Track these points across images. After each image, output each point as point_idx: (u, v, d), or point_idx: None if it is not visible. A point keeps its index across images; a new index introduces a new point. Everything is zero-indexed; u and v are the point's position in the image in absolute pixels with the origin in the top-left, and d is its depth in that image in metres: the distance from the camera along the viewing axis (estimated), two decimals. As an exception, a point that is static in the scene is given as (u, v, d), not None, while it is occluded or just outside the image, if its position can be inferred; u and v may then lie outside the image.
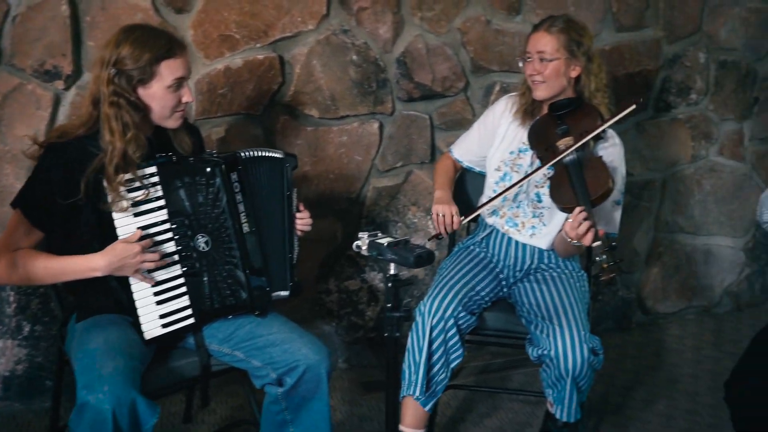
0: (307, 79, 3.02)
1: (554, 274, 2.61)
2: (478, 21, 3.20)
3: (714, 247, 3.83)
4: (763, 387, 2.08)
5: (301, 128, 3.07)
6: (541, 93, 2.55)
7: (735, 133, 3.74)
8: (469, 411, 3.01)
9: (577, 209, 2.27)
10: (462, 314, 2.47)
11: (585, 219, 2.24)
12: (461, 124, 3.26)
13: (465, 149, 2.83)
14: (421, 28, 3.14)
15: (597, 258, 2.23)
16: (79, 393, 1.93)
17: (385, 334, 1.87)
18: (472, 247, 2.73)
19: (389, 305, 1.84)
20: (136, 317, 2.13)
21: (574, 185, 2.34)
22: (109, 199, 2.05)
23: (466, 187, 2.91)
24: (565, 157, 2.40)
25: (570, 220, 2.28)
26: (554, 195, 2.41)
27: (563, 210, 2.39)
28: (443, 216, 2.56)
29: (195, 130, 2.43)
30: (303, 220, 2.42)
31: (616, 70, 3.44)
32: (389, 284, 1.86)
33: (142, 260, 2.07)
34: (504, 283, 2.65)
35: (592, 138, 2.43)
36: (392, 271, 1.87)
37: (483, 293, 2.57)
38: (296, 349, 2.20)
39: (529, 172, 2.54)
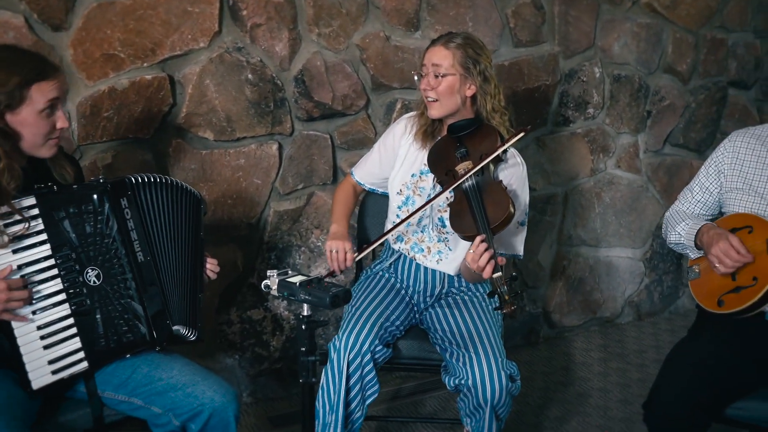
0: (200, 99, 2.85)
1: (465, 297, 2.54)
2: (377, 37, 3.12)
3: (615, 258, 3.87)
4: (680, 407, 2.06)
5: (195, 152, 2.89)
6: (434, 112, 2.47)
7: (631, 145, 3.80)
8: (382, 441, 2.90)
9: (478, 239, 2.19)
10: (378, 347, 2.36)
11: (486, 249, 2.16)
12: (363, 142, 3.16)
13: (366, 171, 2.72)
14: (319, 44, 3.03)
15: (498, 290, 2.14)
16: None
17: (301, 380, 1.73)
18: (381, 273, 2.62)
19: (303, 349, 1.71)
20: (21, 365, 1.92)
21: (474, 212, 2.26)
22: None
23: (369, 209, 2.82)
24: (463, 182, 2.33)
25: (471, 251, 2.20)
26: (454, 223, 2.33)
27: (464, 239, 2.31)
28: (336, 252, 2.44)
29: (74, 160, 2.24)
30: (212, 266, 2.31)
31: (516, 85, 3.42)
32: (303, 326, 1.72)
33: (7, 298, 1.86)
34: (415, 309, 2.56)
35: (491, 162, 2.35)
36: (306, 312, 1.73)
37: (397, 322, 2.46)
38: (200, 392, 2.04)
39: (431, 197, 2.46)
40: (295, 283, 1.72)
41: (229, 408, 2.04)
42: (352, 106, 3.13)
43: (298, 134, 3.07)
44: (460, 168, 2.38)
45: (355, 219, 2.90)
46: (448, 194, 2.40)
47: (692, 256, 2.42)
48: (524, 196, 2.49)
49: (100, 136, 2.72)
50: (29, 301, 1.92)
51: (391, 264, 2.62)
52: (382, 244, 2.63)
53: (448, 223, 2.42)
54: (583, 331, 3.85)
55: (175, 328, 2.14)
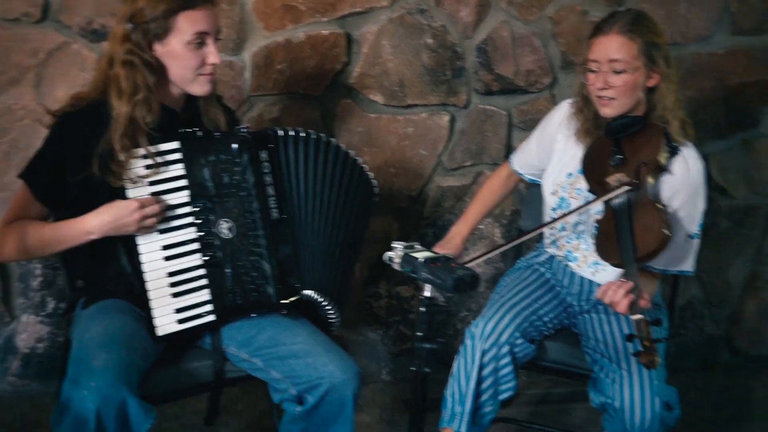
0: (375, 60, 2.74)
1: (629, 307, 2.24)
2: (573, 11, 2.85)
3: (822, 287, 3.37)
4: None
5: (363, 114, 2.79)
6: (610, 111, 2.08)
7: None
8: (518, 448, 2.69)
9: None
10: (519, 341, 2.15)
11: (625, 282, 1.88)
12: (543, 124, 2.92)
13: (524, 161, 2.43)
14: (509, 13, 2.81)
15: (638, 335, 1.84)
16: (63, 387, 1.73)
17: (412, 368, 1.57)
18: (536, 266, 2.38)
19: (420, 334, 1.55)
20: (148, 310, 1.90)
21: (620, 237, 1.95)
22: (117, 173, 1.84)
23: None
24: (612, 199, 2.01)
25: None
26: (599, 245, 2.03)
27: (611, 265, 2.03)
28: None
29: (230, 111, 2.20)
30: None
31: (727, 77, 3.02)
32: (422, 308, 1.55)
33: (142, 216, 1.82)
34: (570, 310, 2.31)
35: (650, 173, 2.01)
36: (427, 294, 1.56)
37: (546, 319, 2.24)
38: (321, 364, 1.93)
39: (574, 208, 2.15)
40: (420, 259, 1.55)
41: (348, 386, 1.93)
42: (535, 83, 2.90)
43: (474, 107, 2.88)
44: (612, 180, 2.04)
45: (520, 202, 2.68)
46: (599, 208, 2.10)
47: None
48: (697, 206, 2.11)
49: (271, 88, 2.69)
50: (161, 215, 1.88)
51: (547, 259, 2.37)
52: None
53: (592, 243, 2.13)
54: (771, 364, 3.40)
55: (306, 292, 2.03)
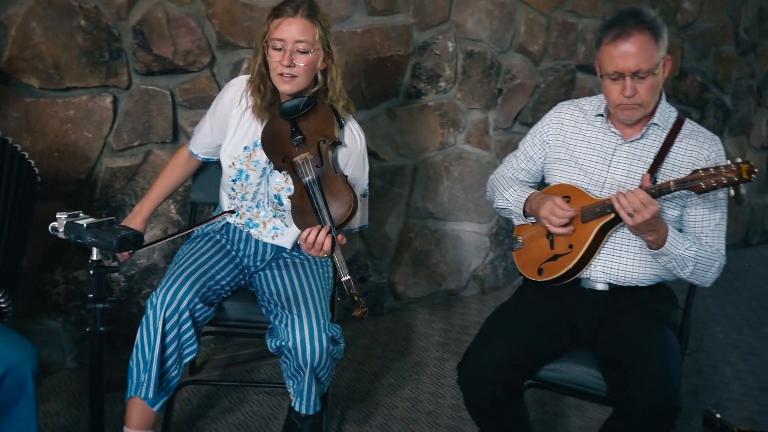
0: (25, 43, 2.67)
1: (296, 260, 2.49)
2: (224, -7, 3.01)
3: (461, 232, 3.93)
4: (493, 368, 2.09)
5: (18, 99, 2.71)
6: (290, 87, 2.27)
7: (481, 122, 3.85)
8: (211, 406, 2.82)
9: (323, 231, 2.12)
10: (198, 305, 2.28)
11: (322, 226, 2.11)
12: (206, 102, 3.01)
13: (201, 141, 2.54)
14: (161, -4, 2.90)
15: (347, 292, 2.05)
16: None
17: (88, 329, 1.65)
18: (211, 234, 2.53)
19: (91, 296, 1.62)
20: None
21: (318, 211, 2.15)
22: None
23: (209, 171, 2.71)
24: (303, 177, 2.21)
25: (308, 240, 2.12)
26: (297, 220, 2.20)
27: None
28: None
29: None
30: None
31: (367, 53, 3.40)
32: (91, 272, 1.63)
33: None
34: (246, 271, 2.49)
35: (328, 148, 2.26)
36: (95, 257, 1.64)
37: (223, 282, 2.40)
38: (-7, 349, 1.90)
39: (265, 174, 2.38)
40: (83, 224, 1.63)
41: (26, 365, 1.93)
42: (195, 63, 3.02)
43: (136, 88, 2.93)
44: (299, 159, 2.23)
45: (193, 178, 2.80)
46: (289, 185, 2.31)
47: (516, 222, 2.46)
48: (365, 168, 2.42)
49: None
50: None
51: (223, 226, 2.53)
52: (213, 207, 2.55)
53: (287, 199, 2.32)
54: (427, 303, 3.89)
55: None
